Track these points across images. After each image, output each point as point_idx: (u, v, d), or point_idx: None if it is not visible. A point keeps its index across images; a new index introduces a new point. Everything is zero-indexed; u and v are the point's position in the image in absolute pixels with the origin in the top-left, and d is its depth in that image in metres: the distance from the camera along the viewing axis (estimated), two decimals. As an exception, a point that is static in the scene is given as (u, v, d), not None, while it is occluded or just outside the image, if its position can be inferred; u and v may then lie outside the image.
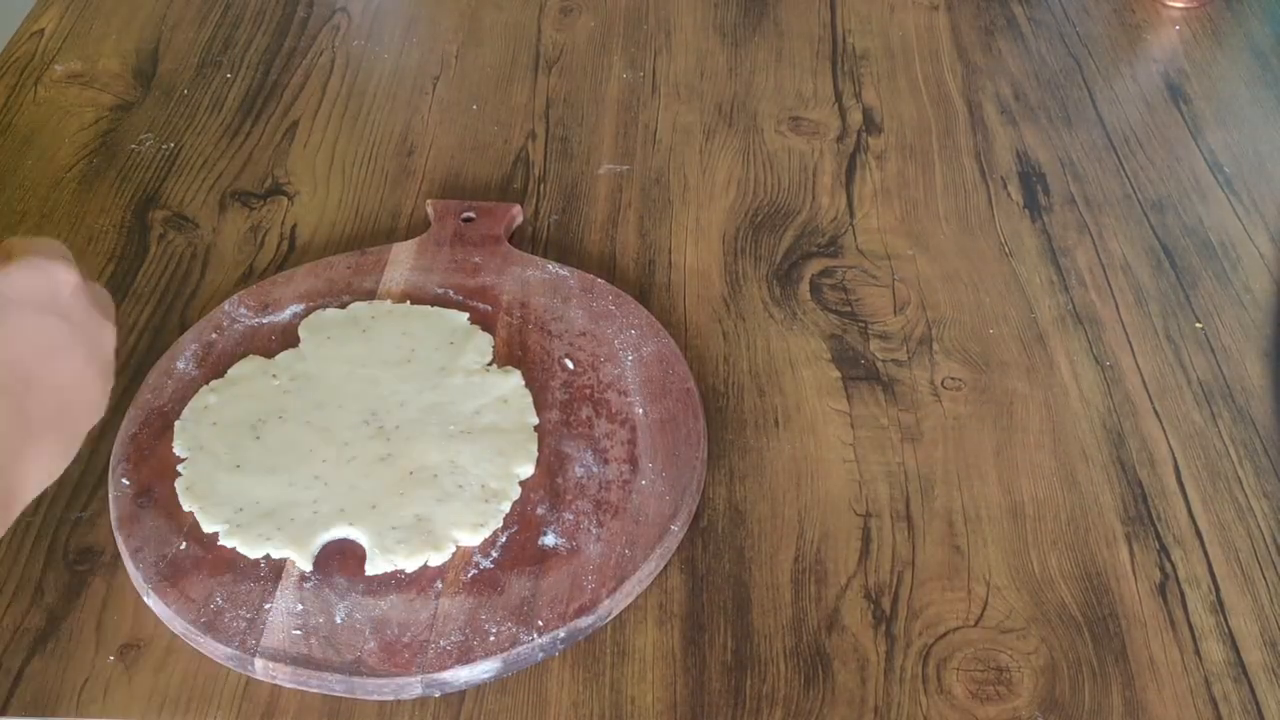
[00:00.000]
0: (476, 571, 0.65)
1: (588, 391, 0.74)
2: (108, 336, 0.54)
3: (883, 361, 0.78)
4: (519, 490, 0.69)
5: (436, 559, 0.65)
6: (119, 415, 0.74)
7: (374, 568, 0.65)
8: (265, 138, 0.96)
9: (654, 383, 0.74)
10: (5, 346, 0.49)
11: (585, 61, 1.04)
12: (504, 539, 0.67)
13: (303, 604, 0.64)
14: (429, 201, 0.88)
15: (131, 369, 0.77)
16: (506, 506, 0.68)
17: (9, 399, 0.48)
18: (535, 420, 0.72)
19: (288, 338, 0.77)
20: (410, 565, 0.65)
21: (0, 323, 0.49)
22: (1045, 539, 0.69)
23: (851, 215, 0.89)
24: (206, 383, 0.74)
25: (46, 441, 0.50)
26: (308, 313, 0.79)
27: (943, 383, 0.77)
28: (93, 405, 0.53)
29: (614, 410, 0.73)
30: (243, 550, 0.66)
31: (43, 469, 0.50)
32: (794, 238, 0.87)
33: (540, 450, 0.71)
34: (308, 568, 0.65)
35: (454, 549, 0.66)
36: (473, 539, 0.66)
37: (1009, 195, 0.91)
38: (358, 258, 0.83)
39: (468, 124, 0.98)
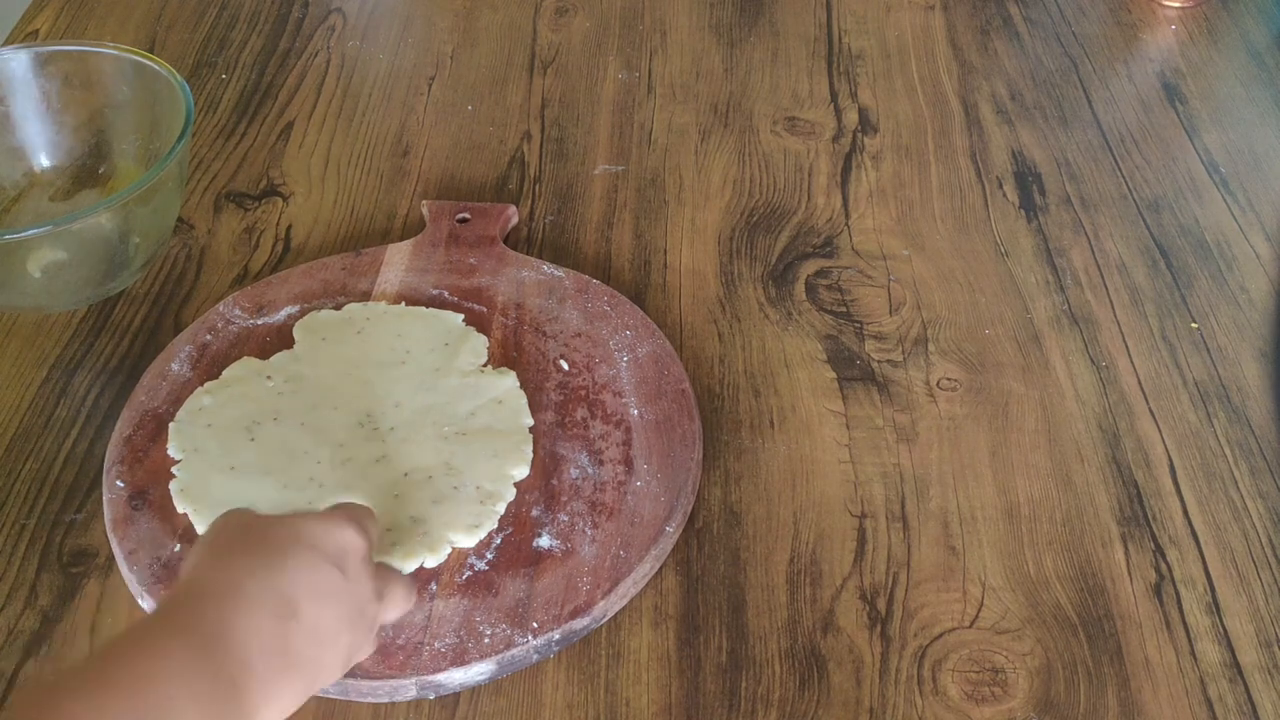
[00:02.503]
0: (471, 573, 0.65)
1: (583, 393, 0.74)
2: (372, 611, 0.56)
3: (878, 362, 0.78)
4: (514, 492, 0.69)
5: (432, 560, 0.65)
6: (113, 418, 0.74)
7: (369, 570, 0.65)
8: (260, 139, 0.96)
9: (649, 384, 0.74)
10: (288, 579, 0.52)
11: (580, 62, 1.04)
12: (499, 540, 0.66)
13: (297, 606, 0.64)
14: (424, 202, 0.87)
15: (126, 371, 0.77)
16: (501, 508, 0.68)
17: (277, 622, 0.51)
18: (530, 421, 0.72)
19: (282, 339, 0.77)
20: (406, 567, 0.65)
21: (291, 557, 0.53)
22: (1040, 540, 0.69)
23: (847, 215, 0.89)
24: (201, 384, 0.74)
25: (291, 677, 0.51)
26: (302, 314, 0.79)
27: (938, 383, 0.77)
28: (331, 667, 0.54)
29: (609, 411, 0.73)
30: (237, 552, 0.66)
31: (282, 704, 0.51)
32: (789, 238, 0.87)
33: (535, 452, 0.71)
34: (302, 570, 0.65)
35: (449, 550, 0.66)
36: (468, 540, 0.66)
37: (1005, 195, 0.91)
38: (353, 259, 0.83)
39: (463, 125, 0.97)
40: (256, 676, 0.49)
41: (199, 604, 0.50)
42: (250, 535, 0.54)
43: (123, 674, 0.45)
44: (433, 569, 0.65)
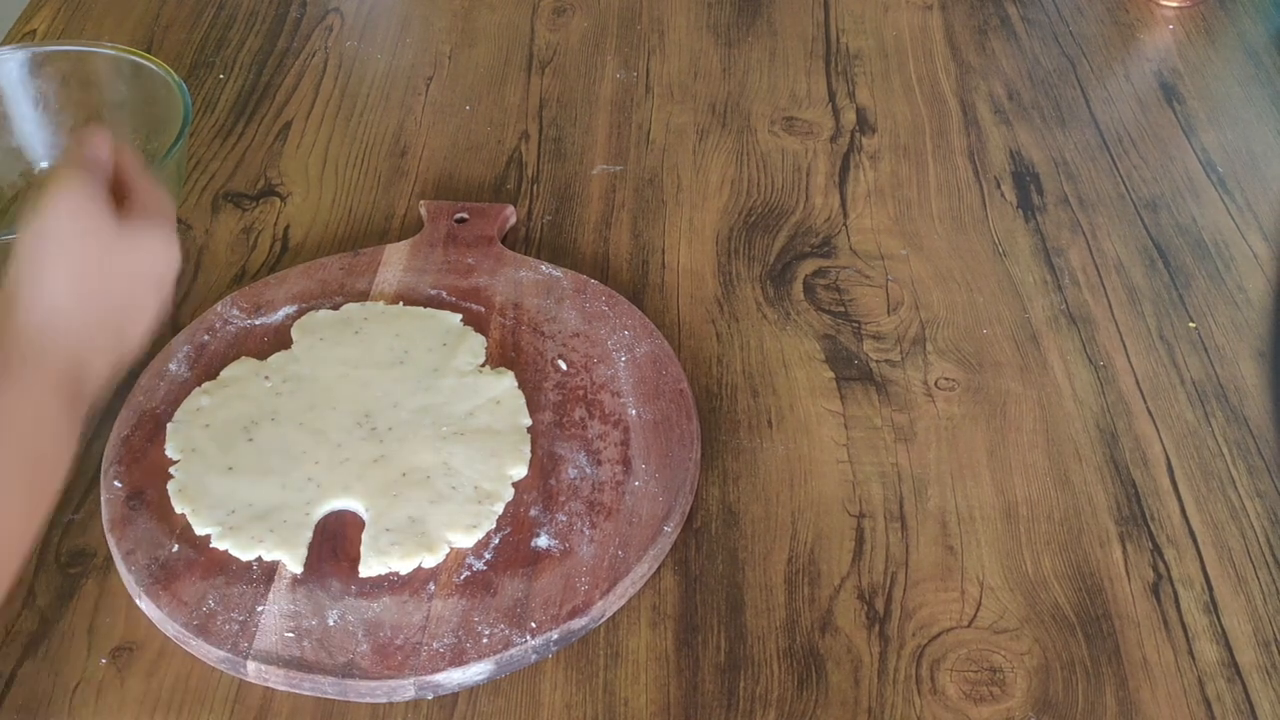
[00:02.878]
0: (469, 573, 0.65)
1: (581, 393, 0.74)
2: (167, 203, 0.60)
3: (876, 362, 0.78)
4: (512, 492, 0.69)
5: (430, 560, 0.65)
6: (111, 418, 0.73)
7: (368, 570, 0.65)
8: (258, 139, 0.96)
9: (647, 384, 0.74)
10: (76, 278, 0.56)
11: (578, 62, 1.04)
12: (497, 540, 0.66)
13: (295, 606, 0.64)
14: (422, 202, 0.87)
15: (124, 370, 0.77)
16: (499, 508, 0.68)
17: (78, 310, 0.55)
18: (528, 421, 0.72)
19: (280, 339, 0.77)
20: (404, 567, 0.65)
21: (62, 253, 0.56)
22: (1039, 539, 0.69)
23: (845, 215, 0.89)
24: (199, 384, 0.74)
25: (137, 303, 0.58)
26: (300, 314, 0.79)
27: (936, 383, 0.77)
28: (166, 258, 0.60)
29: (607, 411, 0.73)
30: (235, 553, 0.66)
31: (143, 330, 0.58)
32: (787, 238, 0.87)
33: (533, 452, 0.71)
34: (299, 570, 0.65)
35: (447, 550, 0.66)
36: (466, 540, 0.66)
37: (1002, 195, 0.91)
38: (350, 259, 0.83)
39: (461, 124, 0.97)
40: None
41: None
42: None
43: None
44: (431, 569, 0.65)
